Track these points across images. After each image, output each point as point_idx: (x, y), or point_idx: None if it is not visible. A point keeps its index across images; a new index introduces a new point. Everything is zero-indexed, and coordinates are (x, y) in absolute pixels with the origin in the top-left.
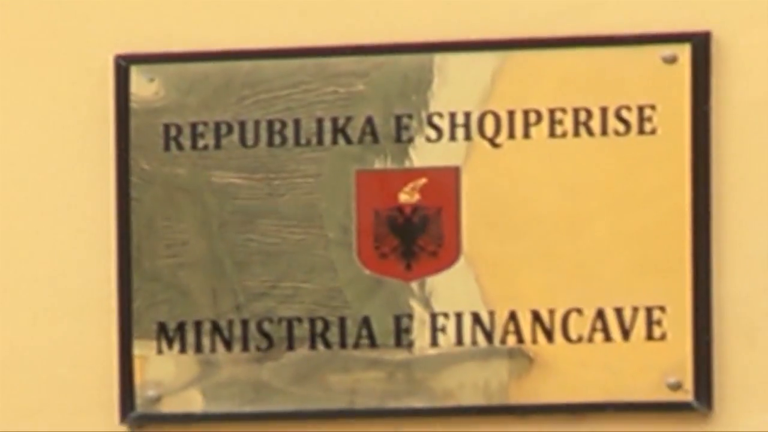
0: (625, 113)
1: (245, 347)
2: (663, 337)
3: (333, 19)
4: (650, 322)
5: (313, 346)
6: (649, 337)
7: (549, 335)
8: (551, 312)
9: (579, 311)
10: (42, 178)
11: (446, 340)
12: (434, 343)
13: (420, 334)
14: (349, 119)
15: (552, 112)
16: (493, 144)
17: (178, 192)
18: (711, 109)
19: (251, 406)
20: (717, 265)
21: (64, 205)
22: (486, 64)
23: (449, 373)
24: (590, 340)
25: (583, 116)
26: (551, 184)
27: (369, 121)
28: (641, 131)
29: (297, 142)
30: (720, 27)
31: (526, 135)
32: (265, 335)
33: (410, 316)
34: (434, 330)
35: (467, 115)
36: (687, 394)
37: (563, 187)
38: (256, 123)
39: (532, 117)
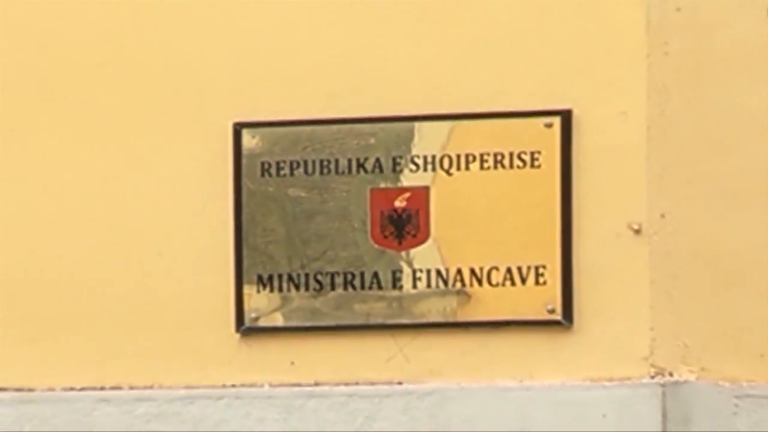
0: (523, 155)
1: (307, 289)
2: (545, 283)
3: (356, 103)
4: (537, 275)
5: (345, 288)
6: (537, 283)
7: (480, 282)
8: (481, 269)
9: (497, 268)
10: (189, 195)
11: (421, 284)
12: (414, 286)
13: (407, 282)
14: (366, 159)
15: (482, 155)
16: (448, 173)
17: (269, 200)
18: (572, 154)
19: (310, 322)
20: (575, 242)
21: (204, 210)
22: (444, 127)
23: (423, 303)
24: (503, 285)
25: (499, 157)
26: (481, 196)
27: (377, 160)
28: (533, 166)
29: (336, 172)
30: (577, 106)
31: (467, 168)
32: (319, 282)
33: (401, 271)
34: (414, 279)
35: (433, 156)
36: (558, 316)
37: (488, 198)
38: (314, 161)
39: (470, 158)
